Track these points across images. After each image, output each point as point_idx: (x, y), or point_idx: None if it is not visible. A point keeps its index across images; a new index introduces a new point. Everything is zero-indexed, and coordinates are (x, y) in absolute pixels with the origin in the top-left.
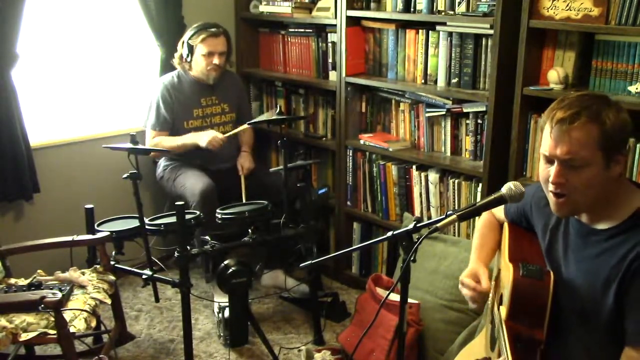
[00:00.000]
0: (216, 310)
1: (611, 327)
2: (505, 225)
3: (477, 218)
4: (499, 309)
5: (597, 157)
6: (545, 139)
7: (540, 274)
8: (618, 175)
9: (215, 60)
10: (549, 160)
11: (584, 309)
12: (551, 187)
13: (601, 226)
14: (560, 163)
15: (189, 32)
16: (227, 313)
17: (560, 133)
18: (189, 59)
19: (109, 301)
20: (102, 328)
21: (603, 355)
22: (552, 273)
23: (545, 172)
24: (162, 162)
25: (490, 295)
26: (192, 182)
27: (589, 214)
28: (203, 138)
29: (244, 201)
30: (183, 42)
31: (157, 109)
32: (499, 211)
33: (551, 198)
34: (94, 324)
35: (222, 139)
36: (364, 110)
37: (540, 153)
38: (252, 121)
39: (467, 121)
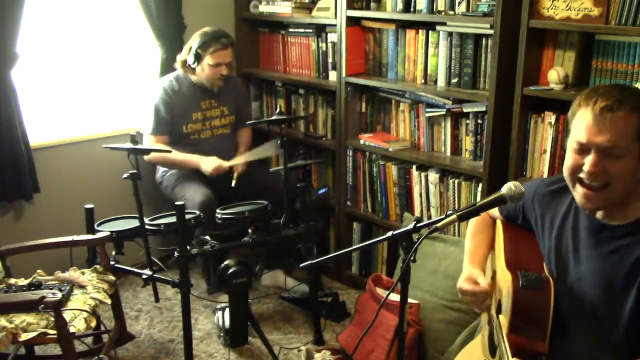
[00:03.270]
0: (217, 315)
1: (630, 329)
2: (499, 223)
3: None
4: (497, 316)
5: (635, 148)
6: (581, 127)
7: (539, 283)
8: None
9: (223, 71)
10: (584, 149)
11: (596, 311)
12: (586, 178)
13: (615, 222)
14: (598, 151)
15: (197, 39)
16: (227, 315)
17: (604, 120)
18: (194, 66)
19: (109, 301)
20: (102, 328)
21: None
22: (551, 280)
23: (575, 163)
24: (160, 167)
25: None
26: (192, 194)
27: (607, 209)
28: (206, 163)
29: (232, 184)
30: (190, 49)
31: (156, 112)
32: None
33: (579, 190)
34: (94, 324)
35: (225, 168)
36: (364, 110)
37: (569, 144)
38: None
39: (467, 121)
